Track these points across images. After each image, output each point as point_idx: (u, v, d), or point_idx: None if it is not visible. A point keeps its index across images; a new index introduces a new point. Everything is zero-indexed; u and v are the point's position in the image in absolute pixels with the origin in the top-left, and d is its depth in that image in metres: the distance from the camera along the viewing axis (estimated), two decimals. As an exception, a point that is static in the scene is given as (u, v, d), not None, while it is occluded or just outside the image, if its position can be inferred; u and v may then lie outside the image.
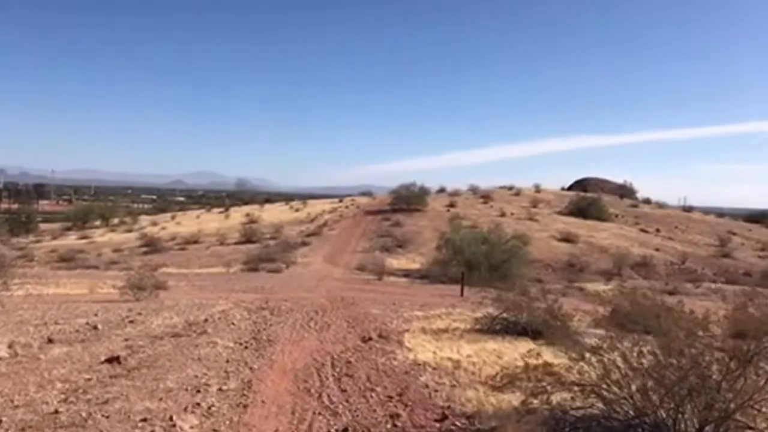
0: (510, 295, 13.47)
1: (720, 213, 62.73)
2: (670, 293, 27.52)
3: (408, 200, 52.93)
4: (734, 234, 49.81)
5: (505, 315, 12.96)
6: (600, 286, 32.43)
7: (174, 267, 36.09)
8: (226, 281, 27.37)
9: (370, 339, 11.67)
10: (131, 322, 13.19)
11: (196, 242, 45.37)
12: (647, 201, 63.05)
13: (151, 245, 42.29)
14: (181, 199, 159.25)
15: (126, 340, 10.87)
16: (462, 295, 24.46)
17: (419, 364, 9.37)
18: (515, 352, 10.31)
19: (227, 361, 9.38)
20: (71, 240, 49.88)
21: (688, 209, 62.08)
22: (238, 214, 59.99)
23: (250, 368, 8.90)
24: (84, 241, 48.30)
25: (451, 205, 54.64)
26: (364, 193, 67.35)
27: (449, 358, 9.73)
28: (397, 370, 8.96)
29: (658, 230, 50.40)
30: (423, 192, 54.30)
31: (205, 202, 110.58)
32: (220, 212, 65.94)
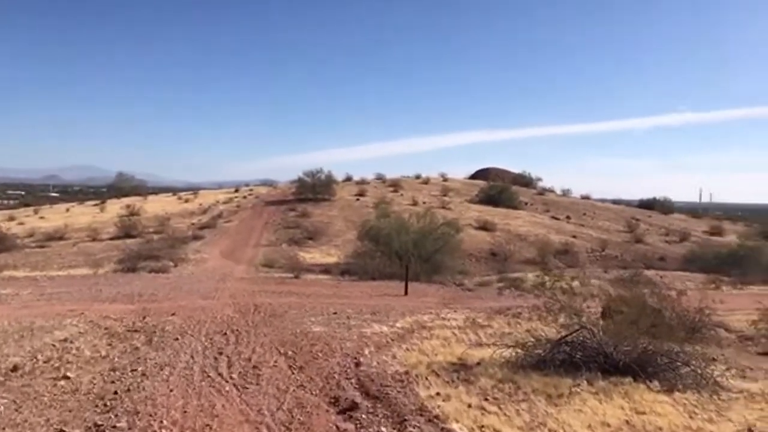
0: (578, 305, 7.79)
1: (615, 202, 62.04)
2: (630, 282, 23.58)
3: (314, 189, 46.42)
4: (638, 220, 48.46)
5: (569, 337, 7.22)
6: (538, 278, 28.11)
7: (26, 269, 27.11)
8: (92, 286, 19.48)
9: (355, 406, 5.49)
10: None
11: (61, 238, 35.99)
12: (550, 190, 61.10)
13: (-3, 243, 32.38)
14: (55, 194, 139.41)
15: None
16: (406, 293, 18.72)
17: None
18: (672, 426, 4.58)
19: None
20: None
21: (586, 197, 60.94)
22: (116, 207, 50.15)
23: None
24: None
25: (361, 193, 48.84)
26: (264, 183, 59.60)
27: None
28: None
29: (568, 217, 47.91)
30: (330, 180, 47.95)
31: (83, 197, 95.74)
32: (95, 205, 55.41)
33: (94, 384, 6.39)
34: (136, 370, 6.96)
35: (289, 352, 8.15)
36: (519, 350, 7.36)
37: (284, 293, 17.66)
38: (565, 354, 7.06)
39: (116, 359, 7.71)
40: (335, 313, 12.94)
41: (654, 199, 60.17)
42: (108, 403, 5.63)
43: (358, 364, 7.15)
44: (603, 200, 62.08)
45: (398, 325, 11.35)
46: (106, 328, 11.05)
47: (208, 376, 6.69)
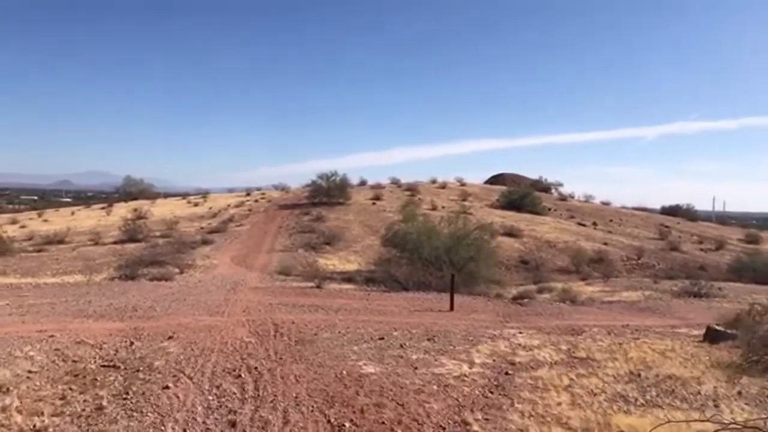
0: None
1: (637, 208, 58.41)
2: (695, 295, 20.17)
3: (328, 192, 43.17)
4: (668, 227, 44.89)
5: None
6: (586, 288, 24.71)
7: (16, 275, 23.90)
8: (81, 297, 16.23)
9: None
10: None
11: (60, 242, 32.80)
12: (571, 196, 57.60)
13: (-11, 247, 29.22)
14: (68, 200, 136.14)
15: None
16: (452, 308, 15.34)
17: None
18: None
19: None
20: None
21: (607, 203, 57.47)
22: (123, 210, 47.06)
23: None
24: None
25: (377, 197, 45.54)
26: (276, 187, 56.26)
27: None
28: None
29: (595, 224, 44.41)
30: (345, 183, 44.69)
31: (94, 202, 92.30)
32: (102, 208, 52.38)
33: None
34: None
35: (346, 423, 4.82)
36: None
37: (308, 307, 14.33)
38: None
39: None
40: (382, 339, 9.61)
41: (678, 206, 56.57)
42: None
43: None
44: (624, 207, 58.48)
45: (476, 359, 8.01)
46: (74, 361, 7.79)
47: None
